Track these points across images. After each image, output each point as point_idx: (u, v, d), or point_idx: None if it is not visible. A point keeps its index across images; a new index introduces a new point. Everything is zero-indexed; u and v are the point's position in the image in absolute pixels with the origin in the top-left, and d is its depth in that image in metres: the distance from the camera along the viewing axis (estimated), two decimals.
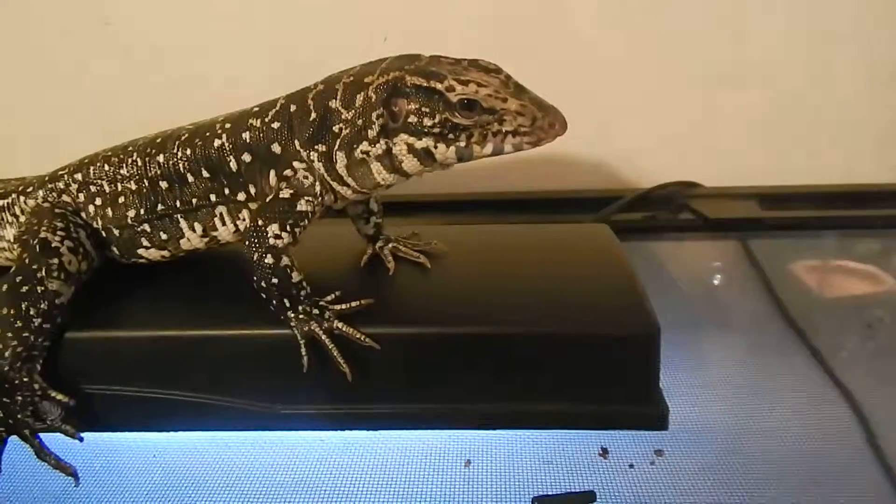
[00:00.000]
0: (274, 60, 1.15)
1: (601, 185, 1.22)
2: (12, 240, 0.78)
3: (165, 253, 0.75)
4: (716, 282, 1.13)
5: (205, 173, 0.71)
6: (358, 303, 0.68)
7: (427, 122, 0.61)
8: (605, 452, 0.73)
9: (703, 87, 1.16)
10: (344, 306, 0.68)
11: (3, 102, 1.20)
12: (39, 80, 1.18)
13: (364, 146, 0.64)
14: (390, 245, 0.80)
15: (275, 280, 0.66)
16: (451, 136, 0.61)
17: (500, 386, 0.70)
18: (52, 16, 1.14)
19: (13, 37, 1.16)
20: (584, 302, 0.73)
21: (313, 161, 0.67)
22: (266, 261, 0.65)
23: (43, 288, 0.67)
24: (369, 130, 0.64)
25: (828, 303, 1.08)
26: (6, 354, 0.65)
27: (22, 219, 0.77)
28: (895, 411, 0.81)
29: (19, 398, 0.66)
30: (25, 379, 0.66)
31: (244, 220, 0.72)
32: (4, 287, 0.67)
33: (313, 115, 0.67)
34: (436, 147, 0.62)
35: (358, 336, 0.66)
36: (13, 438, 0.66)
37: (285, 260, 0.66)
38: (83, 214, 0.76)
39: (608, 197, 1.18)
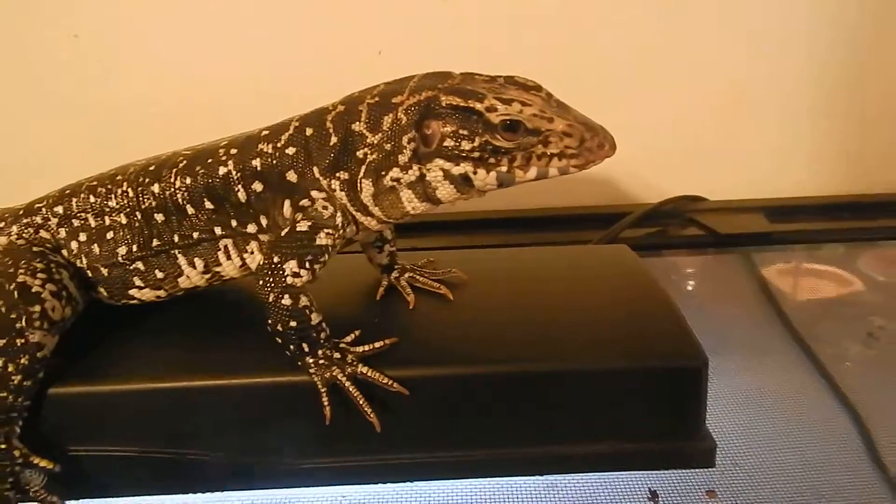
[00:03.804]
0: (260, 74, 1.09)
1: (604, 201, 1.20)
2: None
3: (161, 293, 0.68)
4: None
5: (208, 204, 0.64)
6: (382, 343, 0.63)
7: (465, 145, 0.56)
8: (654, 496, 0.68)
9: (709, 99, 1.14)
10: (367, 348, 0.62)
11: None
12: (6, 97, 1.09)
13: (394, 173, 0.58)
14: (406, 275, 0.74)
15: (293, 323, 0.59)
16: (491, 160, 0.56)
17: (539, 429, 0.65)
18: (20, 30, 1.05)
19: None
20: (623, 334, 0.68)
21: (335, 190, 0.61)
22: (283, 302, 0.59)
23: (23, 340, 0.59)
24: (400, 156, 0.58)
25: (831, 312, 1.07)
26: None
27: None
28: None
29: None
30: (3, 446, 0.58)
31: (252, 252, 0.65)
32: None
33: (333, 139, 0.60)
34: (475, 173, 0.57)
35: (384, 381, 0.60)
36: None
37: (304, 300, 0.60)
38: (64, 252, 0.68)
39: (611, 213, 1.15)
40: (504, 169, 0.56)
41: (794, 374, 0.92)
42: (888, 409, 0.83)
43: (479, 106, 0.55)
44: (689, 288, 1.11)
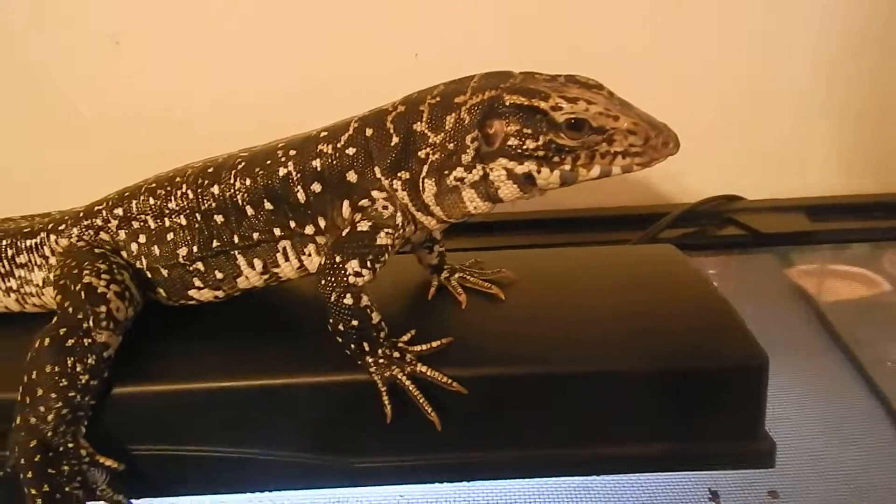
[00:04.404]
0: (299, 78, 1.09)
1: (636, 201, 1.19)
2: (41, 284, 0.70)
3: (219, 293, 0.68)
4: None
5: (267, 205, 0.64)
6: (439, 342, 0.63)
7: (529, 144, 0.56)
8: (715, 496, 0.67)
9: (738, 98, 1.13)
10: (424, 347, 0.62)
11: (9, 134, 1.11)
12: (45, 106, 1.10)
13: (458, 172, 0.58)
14: (457, 275, 0.74)
15: (354, 322, 0.59)
16: (555, 158, 0.56)
17: (598, 428, 0.64)
18: (59, 36, 1.06)
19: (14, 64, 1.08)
20: (680, 333, 0.68)
21: (396, 190, 0.61)
22: (345, 301, 0.59)
23: (90, 340, 0.60)
24: (463, 155, 0.58)
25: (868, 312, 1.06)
26: (49, 418, 0.58)
27: (52, 260, 0.69)
28: None
29: (65, 467, 0.58)
30: (71, 444, 0.59)
31: (309, 254, 0.66)
32: (46, 341, 0.59)
33: (395, 139, 0.61)
34: (538, 172, 0.57)
35: (444, 380, 0.61)
36: None
37: (365, 300, 0.60)
38: (124, 253, 0.68)
39: (646, 213, 1.14)
40: (568, 167, 0.56)
41: (834, 375, 0.91)
42: None
43: (543, 105, 0.55)
44: (729, 288, 1.10)
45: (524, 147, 0.56)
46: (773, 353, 0.93)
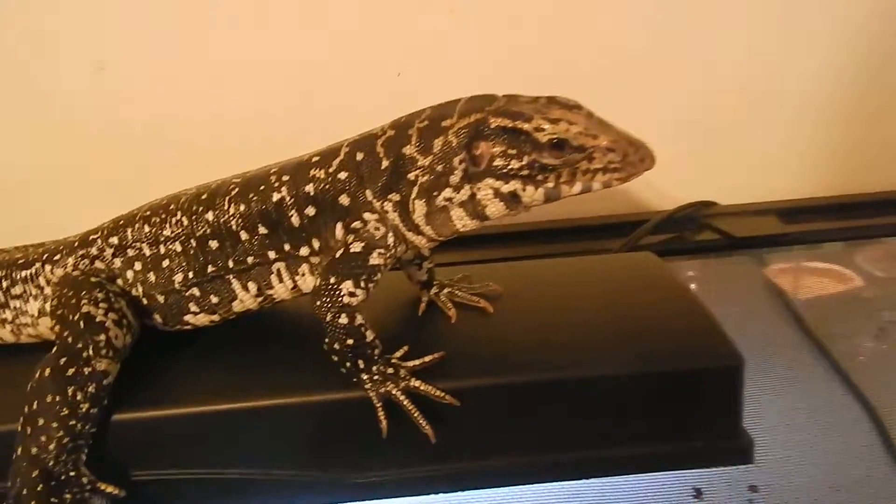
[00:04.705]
0: (282, 97, 1.10)
1: (619, 210, 1.22)
2: (37, 314, 0.71)
3: (215, 317, 0.69)
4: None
5: (261, 229, 0.66)
6: (431, 357, 0.65)
7: (514, 164, 0.59)
8: (699, 494, 0.70)
9: (714, 104, 1.17)
10: (417, 362, 0.65)
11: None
12: (29, 128, 1.09)
13: (447, 193, 0.61)
14: (445, 290, 0.77)
15: (349, 341, 0.61)
16: (539, 177, 0.59)
17: (584, 433, 0.67)
18: (42, 61, 1.07)
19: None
20: (660, 337, 0.71)
21: (387, 211, 0.63)
22: (340, 321, 0.61)
23: (90, 369, 0.61)
24: (451, 176, 0.60)
25: (840, 309, 1.10)
26: (51, 447, 0.59)
27: (47, 290, 0.70)
28: None
29: (68, 496, 0.59)
30: (72, 473, 0.60)
31: (303, 275, 0.67)
32: (47, 371, 0.60)
33: (385, 162, 0.63)
34: (524, 190, 0.59)
35: (437, 393, 0.63)
36: None
37: (359, 318, 0.62)
38: (119, 281, 0.69)
39: (623, 222, 1.17)
40: (551, 185, 0.59)
41: (810, 371, 0.94)
42: None
43: (527, 126, 0.58)
44: (708, 290, 1.14)
45: (509, 167, 0.59)
46: (750, 351, 0.97)
